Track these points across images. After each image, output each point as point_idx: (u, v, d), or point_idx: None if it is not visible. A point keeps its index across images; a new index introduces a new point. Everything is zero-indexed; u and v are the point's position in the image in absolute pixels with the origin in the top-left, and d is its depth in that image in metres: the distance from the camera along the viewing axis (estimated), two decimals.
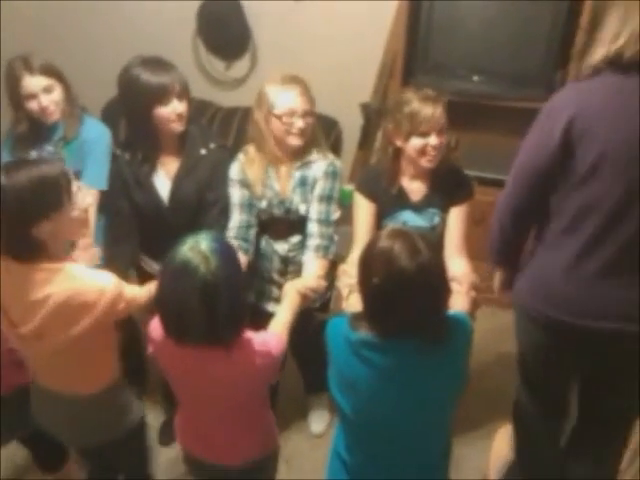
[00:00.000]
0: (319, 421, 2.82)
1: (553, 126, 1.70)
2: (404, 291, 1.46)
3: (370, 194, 2.22)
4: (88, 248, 2.13)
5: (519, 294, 1.99)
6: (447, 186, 2.21)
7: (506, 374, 2.94)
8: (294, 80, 2.18)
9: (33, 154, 2.39)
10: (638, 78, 1.62)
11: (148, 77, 2.12)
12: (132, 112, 2.23)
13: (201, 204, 2.28)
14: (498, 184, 3.23)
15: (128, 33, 4.01)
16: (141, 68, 2.15)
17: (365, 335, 1.54)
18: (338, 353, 1.62)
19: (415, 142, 2.10)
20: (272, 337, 1.76)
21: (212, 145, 2.29)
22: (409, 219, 2.22)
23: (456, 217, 2.22)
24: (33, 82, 2.28)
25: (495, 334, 3.27)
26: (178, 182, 2.26)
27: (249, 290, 2.41)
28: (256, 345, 1.67)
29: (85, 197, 1.81)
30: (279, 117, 2.15)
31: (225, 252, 1.58)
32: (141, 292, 1.88)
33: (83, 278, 1.73)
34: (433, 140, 2.08)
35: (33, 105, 2.30)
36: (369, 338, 1.53)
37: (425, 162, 2.13)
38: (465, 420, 2.70)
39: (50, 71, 2.32)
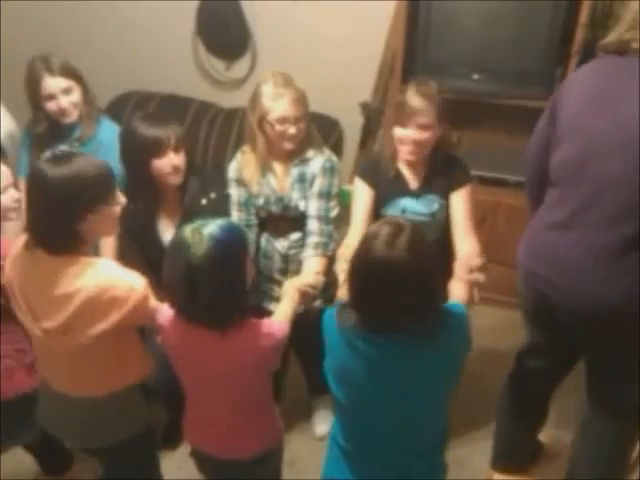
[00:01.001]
0: (323, 423, 2.80)
1: (551, 102, 1.91)
2: (378, 280, 1.47)
3: (370, 180, 2.23)
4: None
5: None
6: (444, 172, 2.22)
7: (508, 375, 2.94)
8: (287, 84, 2.18)
9: (47, 153, 2.39)
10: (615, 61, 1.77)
11: (144, 130, 2.17)
12: (130, 164, 2.27)
13: None
14: (499, 183, 3.26)
15: (128, 34, 4.03)
16: (139, 122, 2.20)
17: (354, 325, 1.55)
18: (331, 342, 1.64)
19: (396, 131, 2.13)
20: (275, 321, 1.81)
21: (213, 195, 2.31)
22: (408, 206, 2.24)
23: (457, 200, 2.21)
24: (53, 83, 2.31)
25: (496, 334, 3.26)
26: None
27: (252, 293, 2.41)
28: (260, 327, 1.70)
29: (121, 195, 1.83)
30: (272, 124, 2.17)
31: (225, 241, 1.59)
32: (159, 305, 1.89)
33: (114, 274, 1.74)
34: (411, 133, 2.09)
35: (52, 105, 2.33)
36: (357, 328, 1.54)
37: (404, 153, 2.15)
38: (467, 421, 2.70)
39: (70, 72, 2.35)
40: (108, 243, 2.28)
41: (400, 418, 1.62)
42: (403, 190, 2.24)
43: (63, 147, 2.38)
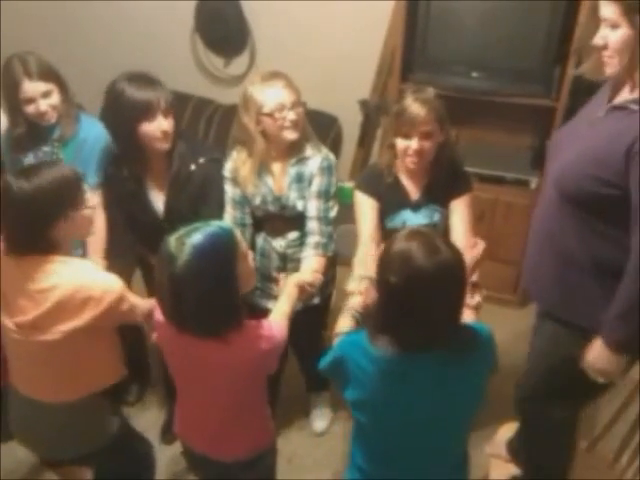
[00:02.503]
0: (321, 419, 2.82)
1: None
2: (422, 291, 1.43)
3: (373, 192, 2.20)
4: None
5: None
6: (445, 181, 2.19)
7: (508, 373, 2.95)
8: (275, 75, 2.17)
9: (30, 156, 2.39)
10: None
11: (133, 92, 2.11)
12: (118, 128, 2.22)
13: (197, 216, 2.28)
14: (497, 180, 3.27)
15: (127, 31, 4.02)
16: (127, 83, 2.13)
17: (387, 350, 1.51)
18: (359, 372, 1.58)
19: (399, 142, 2.09)
20: (275, 323, 1.79)
21: (202, 160, 2.28)
22: (409, 218, 2.21)
23: (457, 209, 2.19)
24: (32, 87, 2.25)
25: (498, 333, 3.24)
26: (171, 199, 2.28)
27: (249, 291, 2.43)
28: (260, 329, 1.69)
29: (93, 196, 1.87)
30: (270, 115, 2.14)
31: (208, 249, 1.56)
32: (143, 302, 1.89)
33: (91, 273, 1.76)
34: (414, 144, 2.05)
35: (31, 109, 2.28)
36: (391, 353, 1.51)
37: (408, 163, 2.12)
38: None
39: (49, 75, 2.29)
40: (96, 240, 2.25)
41: (427, 441, 1.61)
42: (404, 202, 2.21)
43: (46, 149, 2.38)
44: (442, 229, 2.21)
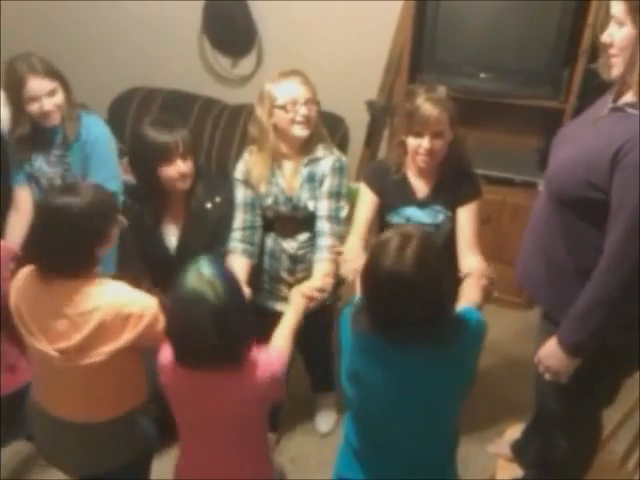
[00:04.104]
0: (326, 420, 2.81)
1: None
2: (385, 292, 1.48)
3: (375, 187, 2.22)
4: None
5: None
6: (453, 184, 2.19)
7: (515, 375, 2.94)
8: (294, 72, 2.21)
9: (40, 159, 2.39)
10: None
11: (153, 135, 2.17)
12: (139, 169, 2.30)
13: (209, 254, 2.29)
14: (505, 182, 3.25)
15: (134, 31, 4.02)
16: (148, 127, 2.20)
17: (367, 330, 1.55)
18: (345, 343, 1.65)
19: (410, 141, 2.10)
20: (275, 356, 1.77)
21: (218, 199, 2.32)
22: (413, 215, 2.21)
23: (465, 216, 2.19)
24: (38, 84, 2.25)
25: (505, 335, 3.27)
26: (185, 236, 2.32)
27: (257, 293, 2.43)
28: (259, 359, 1.69)
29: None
30: (283, 107, 2.16)
31: (226, 274, 1.63)
32: None
33: (128, 293, 1.76)
34: (425, 143, 2.06)
35: (34, 108, 2.27)
36: (372, 337, 1.54)
37: (419, 162, 2.13)
38: (473, 420, 2.69)
39: (54, 74, 2.28)
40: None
41: (410, 426, 1.61)
42: (409, 199, 2.21)
43: (56, 152, 2.37)
44: (446, 232, 2.21)
